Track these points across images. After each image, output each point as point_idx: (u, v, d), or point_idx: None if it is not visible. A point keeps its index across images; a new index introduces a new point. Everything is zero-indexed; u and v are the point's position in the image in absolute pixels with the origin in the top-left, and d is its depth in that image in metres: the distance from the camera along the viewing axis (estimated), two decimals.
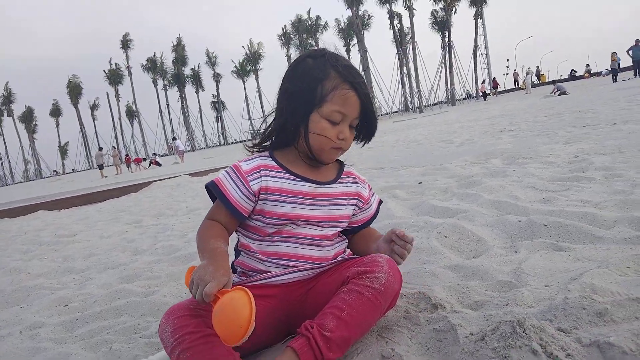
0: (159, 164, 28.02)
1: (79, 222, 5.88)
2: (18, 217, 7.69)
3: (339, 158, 1.59)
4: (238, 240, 1.57)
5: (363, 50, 48.19)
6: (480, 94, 40.86)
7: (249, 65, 78.96)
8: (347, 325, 1.24)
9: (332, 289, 1.36)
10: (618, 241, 1.85)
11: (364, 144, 1.58)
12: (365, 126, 1.54)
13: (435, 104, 54.34)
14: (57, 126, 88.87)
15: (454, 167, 4.63)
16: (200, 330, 1.21)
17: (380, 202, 1.75)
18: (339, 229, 1.58)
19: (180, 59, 79.86)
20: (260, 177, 1.46)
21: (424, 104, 49.68)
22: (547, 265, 1.72)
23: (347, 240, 1.66)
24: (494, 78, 48.21)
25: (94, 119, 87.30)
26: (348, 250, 1.64)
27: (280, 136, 1.53)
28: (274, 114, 1.53)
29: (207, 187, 1.50)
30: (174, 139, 30.92)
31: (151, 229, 4.39)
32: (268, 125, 1.55)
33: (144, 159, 30.90)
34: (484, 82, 45.03)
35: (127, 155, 34.93)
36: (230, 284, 1.22)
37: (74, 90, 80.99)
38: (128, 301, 2.19)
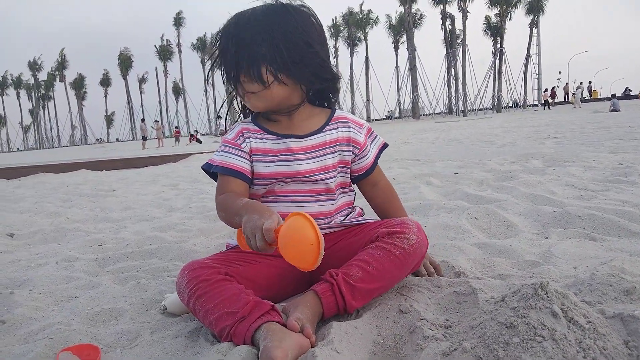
0: (199, 141, 28.48)
1: (119, 182, 6.07)
2: (61, 172, 8.00)
3: (331, 105, 1.56)
4: None
5: (412, 49, 47.64)
6: (543, 102, 39.02)
7: None
8: (372, 277, 1.25)
9: (357, 247, 1.37)
10: None
11: (308, 88, 1.46)
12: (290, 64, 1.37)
13: (480, 109, 53.25)
14: (106, 96, 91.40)
15: (493, 164, 4.55)
16: (213, 277, 1.23)
17: (384, 146, 1.63)
18: (336, 179, 1.51)
19: None
20: (245, 139, 1.47)
21: (469, 109, 48.82)
22: (578, 252, 1.68)
23: (353, 193, 1.62)
24: (553, 88, 46.72)
25: (141, 92, 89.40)
26: (358, 209, 1.62)
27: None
28: None
29: (203, 168, 1.53)
30: (142, 120, 30.96)
31: (186, 192, 4.50)
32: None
33: (193, 136, 31.38)
34: (546, 90, 43.17)
35: (177, 127, 35.59)
36: (281, 219, 1.17)
37: (125, 63, 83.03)
38: (159, 246, 2.27)
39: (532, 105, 52.71)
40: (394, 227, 1.35)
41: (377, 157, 1.60)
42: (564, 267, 1.52)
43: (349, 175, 1.56)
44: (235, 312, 1.14)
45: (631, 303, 1.17)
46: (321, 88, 1.49)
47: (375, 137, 1.61)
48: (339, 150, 1.51)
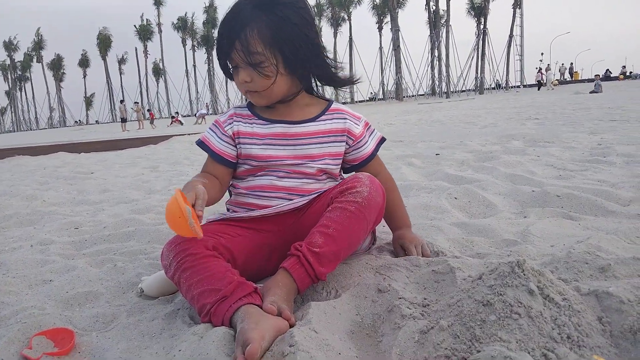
0: (181, 123, 28.14)
1: (98, 164, 5.97)
2: (39, 155, 7.84)
3: (328, 96, 1.61)
4: (231, 183, 1.60)
5: (395, 29, 47.39)
6: (536, 82, 38.16)
7: None
8: (334, 240, 1.26)
9: (320, 213, 1.37)
10: (631, 217, 1.82)
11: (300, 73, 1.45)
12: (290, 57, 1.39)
13: (463, 91, 53.44)
14: (85, 77, 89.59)
15: (474, 145, 4.57)
16: (200, 251, 1.23)
17: (382, 140, 1.66)
18: (320, 167, 1.51)
19: (211, 20, 79.41)
20: (233, 123, 1.52)
21: (452, 90, 48.96)
22: (555, 230, 1.70)
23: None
24: (546, 68, 46.54)
25: (120, 73, 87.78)
26: None
27: None
28: None
29: (197, 144, 1.58)
30: (122, 101, 30.16)
31: (167, 174, 4.45)
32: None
33: (174, 118, 30.83)
34: (540, 69, 42.26)
35: (149, 110, 34.96)
36: (192, 194, 1.22)
37: (104, 43, 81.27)
38: (137, 229, 2.24)
39: (515, 86, 53.07)
40: (346, 184, 1.36)
41: (376, 149, 1.62)
42: (542, 246, 1.53)
43: (339, 167, 1.58)
44: (218, 290, 1.14)
45: (606, 280, 1.18)
46: (320, 77, 1.52)
47: (373, 131, 1.63)
48: (331, 142, 1.52)
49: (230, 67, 1.44)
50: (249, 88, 1.43)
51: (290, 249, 1.28)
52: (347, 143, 1.55)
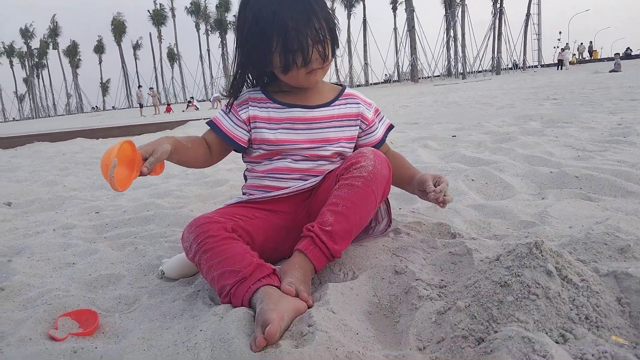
0: (197, 108, 28.21)
1: None
2: (58, 141, 7.95)
3: (340, 82, 1.61)
4: (247, 167, 1.62)
5: (410, 10, 46.70)
6: (557, 61, 36.90)
7: None
8: (345, 216, 1.28)
9: (329, 190, 1.39)
10: None
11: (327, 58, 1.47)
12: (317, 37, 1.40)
13: (480, 71, 52.67)
14: (100, 63, 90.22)
15: (491, 126, 4.53)
16: (220, 233, 1.25)
17: (391, 126, 1.70)
18: (336, 150, 1.53)
19: (224, 4, 79.09)
20: (248, 107, 1.52)
21: (468, 71, 48.28)
22: (574, 211, 1.69)
23: None
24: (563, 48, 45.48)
25: (135, 59, 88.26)
26: None
27: (258, 77, 1.55)
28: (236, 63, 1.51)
29: (207, 123, 1.58)
30: (139, 87, 29.83)
31: None
32: (234, 75, 1.53)
33: (190, 103, 30.59)
34: (563, 49, 40.77)
35: (165, 104, 34.77)
36: (153, 149, 1.29)
37: (118, 28, 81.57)
38: (156, 212, 2.27)
39: (532, 66, 52.12)
40: (350, 160, 1.38)
41: (385, 135, 1.66)
42: (560, 227, 1.52)
43: (352, 149, 1.59)
44: (238, 272, 1.16)
45: (625, 261, 1.17)
46: None
47: (383, 117, 1.67)
48: (346, 126, 1.55)
49: (290, 56, 1.37)
50: (315, 67, 1.41)
51: (303, 230, 1.30)
52: (360, 127, 1.59)
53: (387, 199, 1.58)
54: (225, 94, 1.57)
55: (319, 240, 1.25)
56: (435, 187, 1.45)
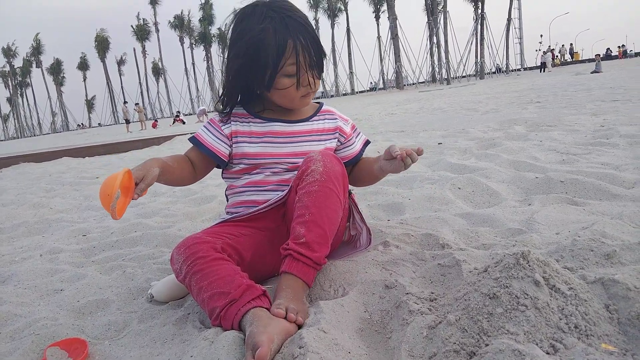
0: (183, 122, 28.11)
1: (102, 168, 6.00)
2: (43, 161, 7.88)
3: (315, 100, 1.67)
4: (227, 186, 1.63)
5: (393, 18, 47.09)
6: (539, 64, 37.19)
7: None
8: (314, 223, 1.28)
9: (294, 201, 1.39)
10: (636, 199, 1.82)
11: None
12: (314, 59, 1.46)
13: (464, 76, 53.16)
14: (85, 80, 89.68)
15: (476, 132, 4.56)
16: (210, 254, 1.25)
17: (367, 142, 1.74)
18: None
19: (207, 17, 79.18)
20: (231, 122, 1.56)
21: (452, 76, 48.71)
22: (560, 217, 1.70)
23: None
24: (553, 49, 45.84)
25: (120, 75, 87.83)
26: None
27: (244, 96, 1.57)
28: (225, 77, 1.54)
29: (190, 140, 1.59)
30: (125, 102, 29.63)
31: None
32: (224, 89, 1.56)
33: (177, 117, 30.36)
34: (545, 51, 41.04)
35: (155, 120, 34.54)
36: (144, 174, 1.29)
37: (102, 45, 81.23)
38: (144, 233, 2.25)
39: (515, 70, 52.70)
40: (300, 169, 1.39)
41: (362, 150, 1.71)
42: (547, 234, 1.53)
43: None
44: (227, 294, 1.16)
45: (612, 267, 1.18)
46: None
47: (360, 133, 1.73)
48: (324, 139, 1.60)
49: (281, 74, 1.42)
50: (310, 90, 1.49)
51: (280, 251, 1.30)
52: (339, 140, 1.64)
53: (359, 210, 1.62)
54: (218, 109, 1.59)
55: (297, 255, 1.25)
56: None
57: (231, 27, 1.50)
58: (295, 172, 1.50)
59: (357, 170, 1.70)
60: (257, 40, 1.40)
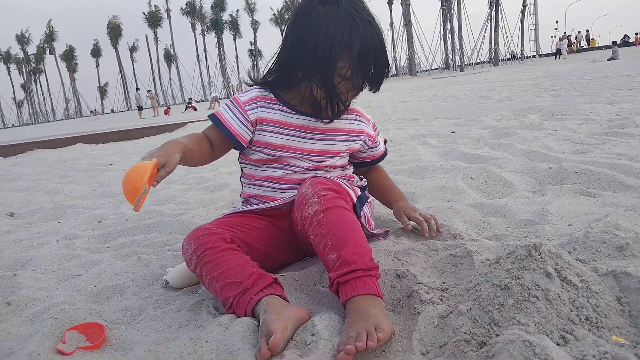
0: (195, 109, 28.18)
1: (116, 155, 6.06)
2: (58, 148, 7.97)
3: None
4: (242, 171, 1.61)
5: (406, 3, 46.59)
6: (554, 50, 36.34)
7: (288, 13, 77.56)
8: (341, 242, 1.18)
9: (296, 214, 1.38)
10: None
11: (374, 90, 1.46)
12: (374, 72, 1.41)
13: (477, 63, 52.54)
14: (97, 66, 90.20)
15: (490, 120, 4.53)
16: (219, 244, 1.27)
17: (385, 140, 1.78)
18: (336, 161, 1.55)
19: (219, 4, 78.95)
20: (257, 108, 1.48)
21: (466, 63, 48.16)
22: (573, 208, 1.70)
23: (351, 167, 1.67)
24: (569, 36, 45.05)
25: (132, 61, 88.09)
26: (356, 178, 1.67)
27: (283, 79, 1.46)
28: (277, 55, 1.46)
29: (209, 117, 1.52)
30: (137, 89, 29.57)
31: None
32: (271, 66, 1.48)
33: (189, 104, 30.43)
34: (561, 38, 39.86)
35: (167, 107, 34.63)
36: (166, 160, 1.25)
37: (114, 31, 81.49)
38: (158, 220, 2.28)
39: (530, 56, 51.98)
40: (297, 207, 1.33)
41: (386, 149, 1.76)
42: (559, 225, 1.53)
43: (348, 158, 1.63)
44: (240, 283, 1.17)
45: (624, 259, 1.18)
46: None
47: (379, 132, 1.73)
48: (349, 140, 1.56)
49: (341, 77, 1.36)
50: (352, 100, 1.49)
51: (329, 288, 1.18)
52: (365, 143, 1.62)
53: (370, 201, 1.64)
54: (249, 82, 1.54)
55: (344, 278, 1.12)
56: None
57: (303, 10, 1.38)
58: (315, 171, 1.50)
59: (373, 181, 1.75)
60: (326, 31, 1.31)
